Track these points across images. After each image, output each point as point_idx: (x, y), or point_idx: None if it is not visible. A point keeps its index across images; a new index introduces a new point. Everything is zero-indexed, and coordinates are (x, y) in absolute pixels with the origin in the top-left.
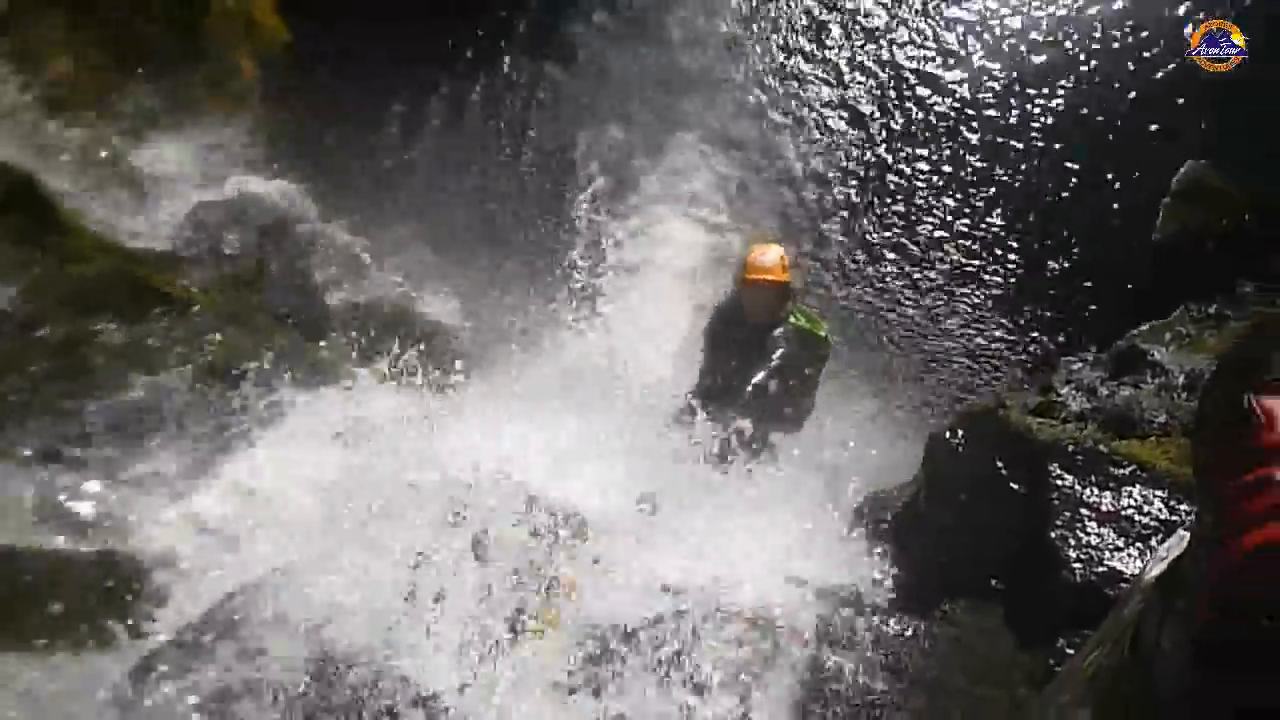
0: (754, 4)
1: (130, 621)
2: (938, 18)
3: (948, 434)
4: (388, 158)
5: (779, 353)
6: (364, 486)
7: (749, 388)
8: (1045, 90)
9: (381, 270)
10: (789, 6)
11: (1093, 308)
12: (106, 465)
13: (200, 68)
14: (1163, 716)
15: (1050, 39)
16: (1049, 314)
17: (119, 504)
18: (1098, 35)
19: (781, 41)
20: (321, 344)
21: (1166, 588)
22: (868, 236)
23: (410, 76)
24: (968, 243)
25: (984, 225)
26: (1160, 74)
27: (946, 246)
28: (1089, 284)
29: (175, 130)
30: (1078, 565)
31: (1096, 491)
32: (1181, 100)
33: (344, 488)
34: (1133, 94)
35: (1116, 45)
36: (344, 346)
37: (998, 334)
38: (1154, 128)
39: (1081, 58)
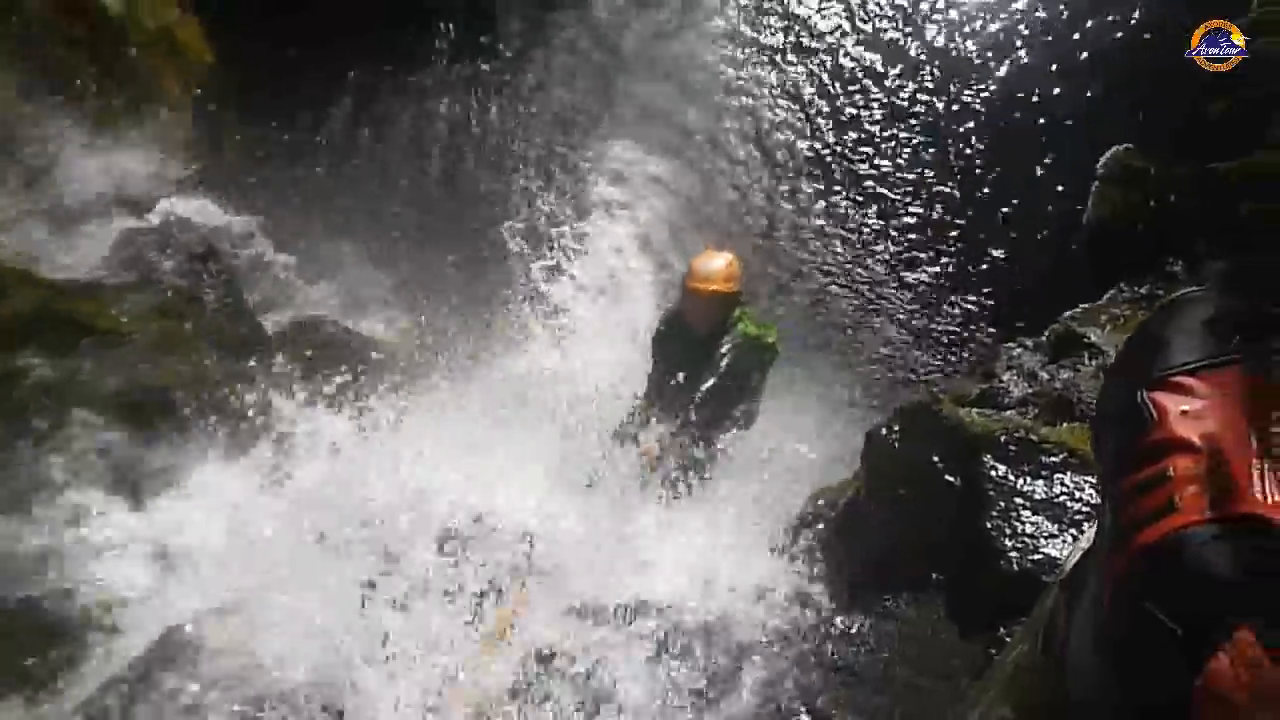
0: None
1: (66, 664)
2: (869, 8)
3: (884, 430)
4: (319, 175)
5: (725, 362)
6: (305, 515)
7: (695, 397)
8: (974, 80)
9: (318, 289)
10: None
11: (1031, 293)
12: (39, 504)
13: (122, 92)
14: (1075, 714)
15: (974, 29)
16: (990, 301)
17: (52, 544)
18: (1020, 25)
19: (716, 29)
20: (258, 368)
21: (1073, 585)
22: (803, 229)
23: (339, 92)
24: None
25: (920, 215)
26: (1082, 61)
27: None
28: (1026, 270)
29: (98, 157)
30: (1014, 554)
31: (1029, 480)
32: (1103, 86)
33: (285, 516)
34: (1058, 81)
35: (1039, 34)
36: (282, 370)
37: (940, 323)
38: (1078, 114)
39: (1007, 48)
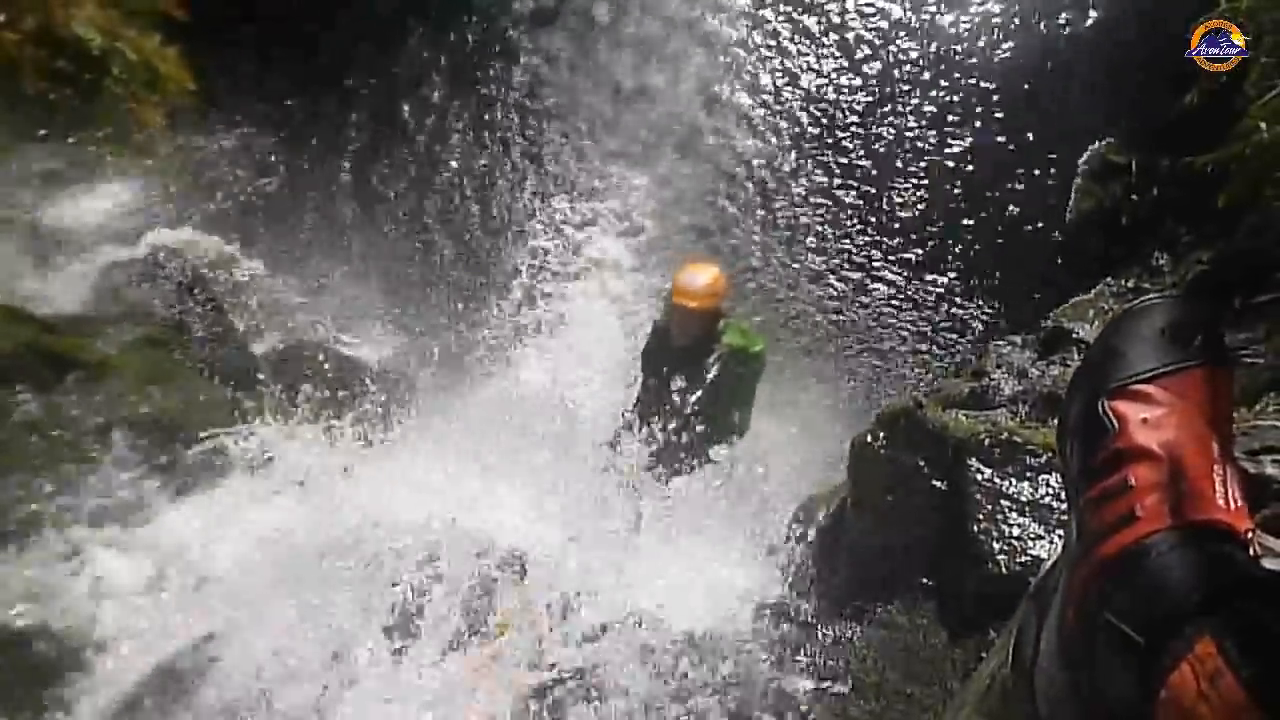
0: None
1: (59, 697)
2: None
3: (869, 436)
4: (304, 199)
5: (712, 374)
6: (296, 542)
7: (684, 410)
8: (954, 78)
9: (307, 314)
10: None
11: (1020, 290)
12: (29, 539)
13: (104, 124)
14: None
15: (953, 29)
16: (979, 299)
17: (42, 578)
18: (996, 23)
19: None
20: (248, 395)
21: (1042, 598)
22: (791, 233)
23: (321, 115)
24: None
25: (903, 217)
26: (1060, 58)
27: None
28: (1014, 267)
29: (82, 190)
30: (1001, 556)
31: (1014, 482)
32: (1083, 83)
33: (276, 544)
34: (1038, 78)
35: (1016, 33)
36: (271, 396)
37: (928, 323)
38: (1059, 111)
39: (985, 46)
